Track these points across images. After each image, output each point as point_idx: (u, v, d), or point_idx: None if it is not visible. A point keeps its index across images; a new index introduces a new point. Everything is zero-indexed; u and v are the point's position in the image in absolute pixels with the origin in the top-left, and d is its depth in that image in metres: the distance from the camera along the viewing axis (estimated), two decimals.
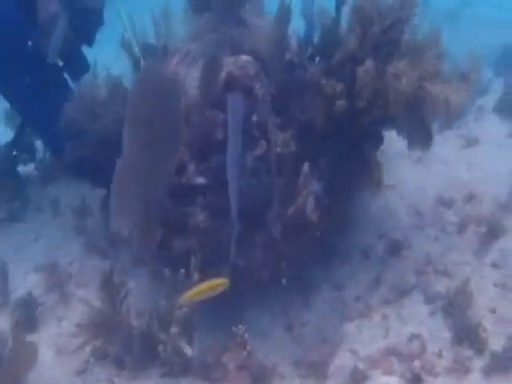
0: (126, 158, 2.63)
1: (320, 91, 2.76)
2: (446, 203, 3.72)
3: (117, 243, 3.44)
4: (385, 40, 2.72)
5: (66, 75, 3.75)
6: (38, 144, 4.21)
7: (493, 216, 3.47)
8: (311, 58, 3.07)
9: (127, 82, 3.30)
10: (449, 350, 2.76)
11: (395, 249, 3.35)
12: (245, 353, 2.66)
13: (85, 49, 3.86)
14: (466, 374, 2.65)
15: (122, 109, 3.17)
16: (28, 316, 3.04)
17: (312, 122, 2.88)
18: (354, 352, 2.83)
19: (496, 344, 2.70)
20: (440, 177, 4.02)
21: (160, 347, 2.62)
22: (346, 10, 2.94)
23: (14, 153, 3.98)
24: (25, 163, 4.14)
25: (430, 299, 3.06)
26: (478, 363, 2.68)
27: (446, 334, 2.85)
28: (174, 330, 2.59)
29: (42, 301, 3.16)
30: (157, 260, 3.00)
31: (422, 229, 3.53)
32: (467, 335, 2.77)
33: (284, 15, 2.73)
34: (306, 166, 2.77)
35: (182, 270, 2.66)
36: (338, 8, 2.96)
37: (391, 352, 2.79)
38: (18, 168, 4.10)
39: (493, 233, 3.36)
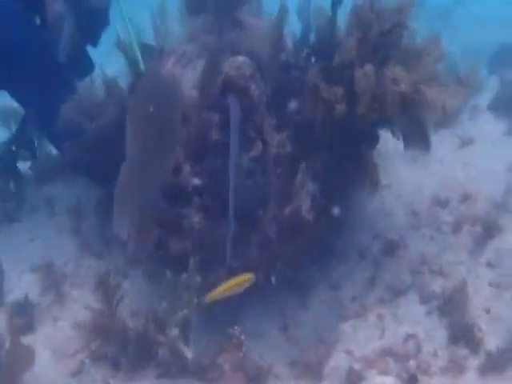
0: (127, 160, 2.63)
1: (318, 95, 2.76)
2: (441, 203, 3.72)
3: (112, 243, 3.43)
4: (383, 44, 2.72)
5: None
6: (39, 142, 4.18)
7: (488, 215, 3.48)
8: (307, 58, 3.06)
9: (123, 83, 3.30)
10: (444, 350, 2.77)
11: (391, 249, 3.35)
12: (241, 354, 2.66)
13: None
14: (461, 374, 2.66)
15: (117, 109, 3.19)
16: (24, 317, 3.03)
17: (308, 124, 2.88)
18: (349, 352, 2.83)
19: (491, 343, 2.71)
20: (435, 176, 4.02)
21: (159, 349, 2.62)
22: (342, 11, 2.94)
23: (14, 148, 3.95)
24: (25, 160, 4.12)
25: (425, 299, 3.07)
26: (474, 363, 2.69)
27: (442, 334, 2.86)
28: (174, 331, 2.59)
29: (37, 301, 3.15)
30: (153, 261, 3.00)
31: (418, 229, 3.53)
32: (462, 335, 2.78)
33: (281, 16, 2.73)
34: (302, 167, 2.77)
35: (184, 274, 2.66)
36: (334, 7, 2.95)
37: (387, 352, 2.79)
38: (18, 165, 4.07)
39: (488, 232, 3.36)
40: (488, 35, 7.88)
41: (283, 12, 2.74)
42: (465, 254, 3.31)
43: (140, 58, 3.28)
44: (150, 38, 3.55)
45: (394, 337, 2.88)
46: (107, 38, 3.71)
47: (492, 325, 2.84)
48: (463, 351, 2.74)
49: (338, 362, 2.79)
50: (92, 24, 3.62)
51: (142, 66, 3.23)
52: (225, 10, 2.86)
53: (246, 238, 2.80)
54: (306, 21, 2.99)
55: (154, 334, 2.68)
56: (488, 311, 2.93)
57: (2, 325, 2.96)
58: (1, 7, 3.39)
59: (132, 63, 3.29)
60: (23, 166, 4.12)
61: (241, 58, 2.74)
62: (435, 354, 2.75)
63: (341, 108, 2.71)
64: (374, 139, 3.20)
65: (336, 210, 2.96)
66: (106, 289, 2.71)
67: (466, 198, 3.73)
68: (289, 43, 3.04)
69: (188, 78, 2.77)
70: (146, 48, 3.38)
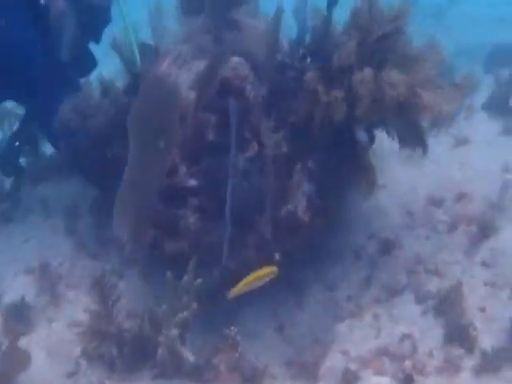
0: (129, 160, 2.64)
1: (317, 97, 2.76)
2: (436, 203, 3.73)
3: (107, 244, 3.42)
4: (381, 48, 2.73)
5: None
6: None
7: (483, 215, 3.49)
8: (303, 58, 3.06)
9: (119, 83, 3.29)
10: (440, 350, 2.78)
11: (386, 248, 3.36)
12: (236, 354, 2.66)
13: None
14: (456, 373, 2.67)
15: (112, 109, 3.18)
16: (19, 318, 3.02)
17: (304, 124, 2.88)
18: (345, 352, 2.83)
19: (486, 343, 2.72)
20: (431, 176, 4.03)
21: (158, 350, 2.61)
22: (339, 10, 2.94)
23: (17, 144, 3.93)
24: (27, 156, 4.11)
25: (420, 299, 3.08)
26: (469, 362, 2.70)
27: (437, 334, 2.87)
28: (173, 332, 2.59)
29: (32, 302, 3.14)
30: (149, 261, 2.99)
31: (413, 228, 3.53)
32: (458, 335, 2.79)
33: (277, 16, 2.73)
34: (298, 167, 2.78)
35: (186, 276, 2.66)
36: (329, 8, 2.95)
37: (383, 352, 2.80)
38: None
39: (483, 232, 3.37)
40: (483, 35, 7.91)
41: (279, 12, 2.73)
42: (460, 254, 3.32)
43: (138, 57, 3.28)
44: (147, 36, 3.55)
45: (389, 337, 2.89)
46: (104, 39, 3.71)
47: (487, 324, 2.86)
48: (458, 351, 2.75)
49: (333, 362, 2.80)
50: (93, 21, 3.62)
51: (139, 66, 3.23)
52: (220, 11, 2.86)
53: (243, 239, 2.79)
54: (302, 21, 2.99)
55: (150, 334, 2.68)
56: (483, 310, 2.94)
57: None
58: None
59: (128, 63, 3.28)
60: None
61: (236, 59, 2.74)
62: (431, 354, 2.75)
63: (341, 111, 2.71)
64: (370, 139, 3.20)
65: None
66: (101, 289, 2.71)
67: (461, 197, 3.74)
68: (284, 43, 3.04)
69: (183, 80, 2.77)
70: (144, 47, 3.38)
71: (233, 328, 2.67)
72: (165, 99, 2.46)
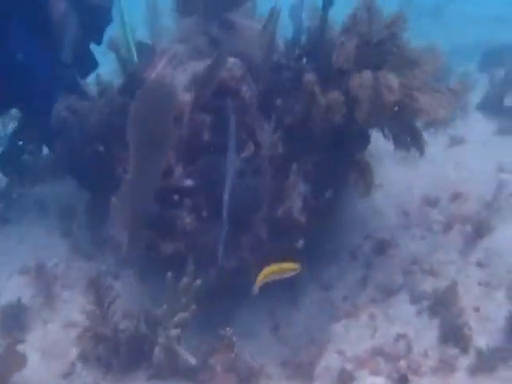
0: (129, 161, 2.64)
1: (314, 99, 2.76)
2: (431, 203, 3.74)
3: (103, 244, 3.41)
4: (380, 52, 2.74)
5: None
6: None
7: (478, 215, 3.50)
8: (298, 58, 3.06)
9: (114, 83, 3.29)
10: (435, 350, 2.79)
11: (382, 248, 3.37)
12: (232, 355, 2.66)
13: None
14: (451, 373, 2.68)
15: (106, 109, 3.18)
16: (14, 319, 3.01)
17: (300, 125, 2.88)
18: (341, 352, 2.84)
19: (480, 343, 2.73)
20: (426, 176, 4.04)
21: (154, 350, 2.61)
22: (338, 11, 2.95)
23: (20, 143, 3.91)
24: (30, 154, 4.08)
25: (416, 299, 3.09)
26: (464, 362, 2.71)
27: (432, 334, 2.88)
28: (173, 332, 2.59)
29: (27, 303, 3.13)
30: (145, 262, 2.99)
31: (409, 228, 3.55)
32: (453, 334, 2.80)
33: (273, 17, 2.73)
34: (294, 168, 2.78)
35: (185, 278, 2.66)
36: (325, 9, 2.95)
37: (378, 352, 2.81)
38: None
39: (478, 232, 3.39)
40: (479, 34, 7.93)
41: (274, 13, 2.73)
42: (455, 254, 3.34)
43: (135, 56, 3.27)
44: (144, 35, 3.55)
45: (385, 337, 2.90)
46: (103, 39, 3.69)
47: (482, 324, 2.87)
48: (453, 351, 2.76)
49: (329, 362, 2.80)
50: (95, 22, 3.61)
51: (135, 65, 3.23)
52: (216, 12, 2.85)
53: (238, 239, 2.79)
54: (298, 22, 2.99)
55: (146, 335, 2.68)
56: (478, 310, 2.95)
57: None
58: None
59: (124, 63, 3.28)
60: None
61: (231, 60, 2.74)
62: (426, 354, 2.76)
63: (340, 114, 2.72)
64: (365, 139, 3.21)
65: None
66: (97, 290, 2.70)
67: (456, 197, 3.75)
68: (280, 44, 3.04)
69: (179, 80, 2.76)
70: (141, 46, 3.37)
71: (228, 329, 2.67)
72: (161, 101, 2.45)
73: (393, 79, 2.66)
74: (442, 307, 2.93)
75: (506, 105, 5.24)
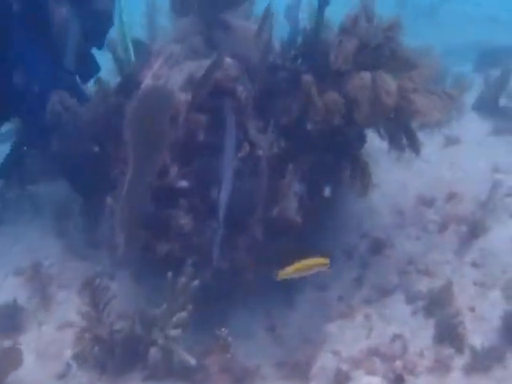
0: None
1: (312, 100, 2.76)
2: (427, 202, 3.75)
3: (98, 245, 3.40)
4: (378, 54, 2.75)
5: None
6: None
7: (473, 215, 3.51)
8: (294, 59, 3.06)
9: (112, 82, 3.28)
10: (430, 350, 2.80)
11: (378, 248, 3.37)
12: (228, 355, 2.66)
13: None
14: (447, 373, 2.69)
15: (101, 108, 3.17)
16: (9, 320, 3.01)
17: (296, 125, 2.88)
18: (336, 353, 2.84)
19: (475, 342, 2.75)
20: (421, 176, 4.05)
21: (150, 351, 2.61)
22: (335, 10, 2.95)
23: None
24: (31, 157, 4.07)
25: (411, 299, 3.10)
26: (459, 362, 2.72)
27: (428, 334, 2.89)
28: (172, 333, 2.58)
29: (22, 304, 3.12)
30: (140, 262, 2.98)
31: (404, 228, 3.56)
32: (448, 334, 2.81)
33: (268, 17, 2.73)
34: (290, 168, 2.78)
35: (183, 278, 2.65)
36: (321, 9, 2.95)
37: (374, 352, 2.81)
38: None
39: (473, 232, 3.40)
40: (475, 34, 7.95)
41: (269, 14, 2.73)
42: (450, 254, 3.35)
43: (132, 55, 3.26)
44: (141, 35, 3.54)
45: (380, 337, 2.91)
46: None
47: (477, 324, 2.88)
48: (449, 351, 2.77)
49: (325, 362, 2.80)
50: (98, 27, 3.61)
51: (132, 64, 3.22)
52: (212, 12, 2.85)
53: (234, 240, 2.79)
54: (294, 22, 2.99)
55: (141, 335, 2.67)
56: (473, 310, 2.96)
57: None
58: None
59: (120, 63, 3.27)
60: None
61: (227, 60, 2.74)
62: (421, 354, 2.77)
63: (339, 115, 2.73)
64: (362, 138, 3.21)
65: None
66: (92, 291, 2.69)
67: (451, 197, 3.76)
68: (276, 44, 3.03)
69: (175, 80, 2.76)
70: (138, 45, 3.37)
71: (224, 329, 2.66)
72: (157, 102, 2.45)
73: (391, 82, 2.67)
74: (438, 307, 2.94)
75: (501, 105, 5.25)
